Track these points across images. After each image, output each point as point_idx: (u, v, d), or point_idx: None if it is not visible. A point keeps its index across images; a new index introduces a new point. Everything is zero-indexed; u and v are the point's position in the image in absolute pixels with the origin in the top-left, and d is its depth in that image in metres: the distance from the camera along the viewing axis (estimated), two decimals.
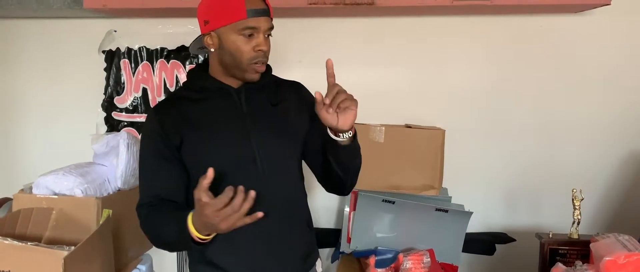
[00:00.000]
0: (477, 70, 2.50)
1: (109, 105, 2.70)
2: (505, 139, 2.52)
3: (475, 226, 2.35)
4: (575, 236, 1.87)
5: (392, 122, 2.47)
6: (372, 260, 2.19)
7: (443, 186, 2.42)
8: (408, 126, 2.48)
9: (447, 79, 2.52)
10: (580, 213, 1.86)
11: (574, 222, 1.88)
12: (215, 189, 1.24)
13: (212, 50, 1.37)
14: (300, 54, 2.51)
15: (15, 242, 1.42)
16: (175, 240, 1.32)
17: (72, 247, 1.44)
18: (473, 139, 2.53)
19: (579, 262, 1.53)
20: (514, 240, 2.47)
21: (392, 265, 2.21)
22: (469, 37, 2.48)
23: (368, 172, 2.35)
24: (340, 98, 1.22)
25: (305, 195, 1.53)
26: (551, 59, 2.45)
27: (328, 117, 1.23)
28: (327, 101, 1.22)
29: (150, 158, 1.39)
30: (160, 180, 1.38)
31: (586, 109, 2.45)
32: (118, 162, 1.84)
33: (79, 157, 2.14)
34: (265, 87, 1.44)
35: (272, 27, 1.37)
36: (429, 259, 2.19)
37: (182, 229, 1.26)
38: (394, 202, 2.29)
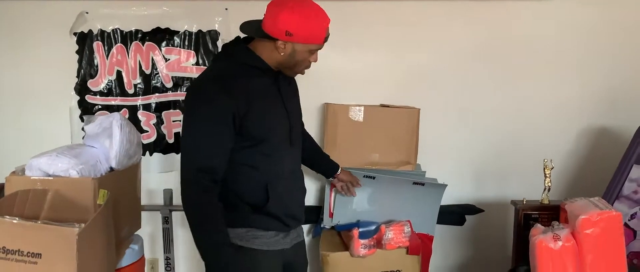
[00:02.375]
0: (447, 53, 2.63)
1: (82, 89, 2.65)
2: (473, 117, 2.68)
3: (446, 199, 2.49)
4: (546, 202, 2.05)
5: (368, 102, 2.57)
6: (355, 232, 2.30)
7: (417, 162, 2.56)
8: (384, 106, 2.59)
9: (419, 61, 2.65)
10: (550, 180, 2.05)
11: (545, 189, 2.07)
12: (266, 150, 1.68)
13: (281, 54, 1.63)
14: None
15: (25, 221, 1.42)
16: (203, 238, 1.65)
17: (82, 225, 1.45)
18: (443, 117, 2.67)
19: (555, 222, 1.70)
20: (482, 211, 2.65)
21: (375, 236, 2.33)
22: (440, 21, 2.61)
23: (349, 150, 2.50)
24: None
25: None
26: (516, 42, 2.62)
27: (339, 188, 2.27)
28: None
29: (217, 122, 1.59)
30: (220, 152, 1.62)
31: (547, 88, 2.64)
32: (112, 142, 1.84)
33: (55, 141, 2.11)
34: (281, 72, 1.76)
35: None
36: (409, 229, 2.33)
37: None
38: (374, 178, 2.41)
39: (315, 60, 1.72)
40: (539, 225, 1.73)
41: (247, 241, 1.72)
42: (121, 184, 1.92)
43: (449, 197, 2.60)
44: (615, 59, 2.62)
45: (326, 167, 2.18)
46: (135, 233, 2.10)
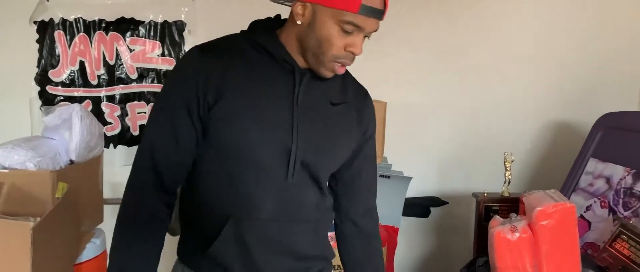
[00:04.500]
0: (413, 48, 2.67)
1: (43, 79, 2.58)
2: (438, 112, 2.72)
3: (411, 191, 2.53)
4: (507, 194, 2.10)
5: None
6: None
7: (383, 155, 2.58)
8: None
9: (385, 56, 2.66)
10: (510, 173, 2.10)
11: (505, 182, 2.12)
12: (236, 169, 1.16)
13: (299, 22, 1.13)
14: None
15: None
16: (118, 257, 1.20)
17: (38, 218, 1.42)
18: (409, 112, 2.70)
19: (513, 214, 1.74)
20: (446, 203, 2.69)
21: None
22: (406, 17, 2.63)
23: None
24: None
25: (330, 212, 1.32)
26: (480, 39, 2.67)
27: None
28: None
29: (173, 104, 1.15)
30: (171, 147, 1.16)
31: (510, 85, 2.71)
32: (72, 134, 1.80)
33: (14, 133, 2.05)
34: (333, 79, 1.20)
35: (376, 30, 1.14)
36: None
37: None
38: None
39: (358, 51, 1.12)
40: (497, 217, 1.77)
41: None
42: (82, 176, 1.88)
43: (414, 190, 2.63)
44: (574, 57, 2.69)
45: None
46: (98, 227, 2.07)
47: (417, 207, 2.69)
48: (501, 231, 1.65)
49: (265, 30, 1.20)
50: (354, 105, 1.27)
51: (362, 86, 1.33)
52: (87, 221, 1.96)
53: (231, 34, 1.22)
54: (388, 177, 2.44)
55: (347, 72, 1.28)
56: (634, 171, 1.97)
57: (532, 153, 2.75)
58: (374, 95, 2.55)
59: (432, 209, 2.71)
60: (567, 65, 2.69)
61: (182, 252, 1.27)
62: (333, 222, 1.37)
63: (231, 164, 1.16)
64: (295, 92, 1.17)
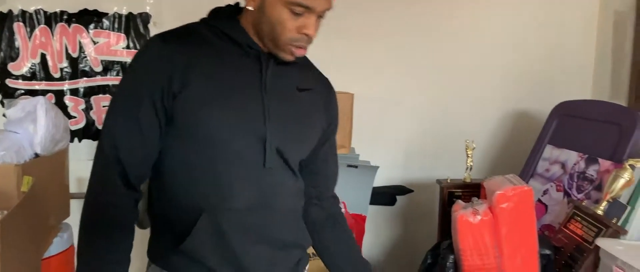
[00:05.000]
0: (378, 40, 2.72)
1: (1, 73, 2.52)
2: (403, 103, 2.79)
3: (377, 180, 2.59)
4: (468, 180, 2.18)
5: None
6: None
7: (351, 145, 2.63)
8: None
9: (352, 47, 2.72)
10: (472, 160, 2.18)
11: (467, 168, 2.20)
12: (209, 159, 1.13)
13: (250, 8, 1.13)
14: None
15: None
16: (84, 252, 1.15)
17: (5, 212, 1.40)
18: (375, 103, 2.76)
19: (475, 198, 1.81)
20: (411, 191, 2.77)
21: None
22: (371, 8, 2.68)
23: None
24: None
25: (302, 198, 1.33)
26: (443, 32, 2.75)
27: None
28: None
29: (135, 95, 1.11)
30: (134, 138, 1.12)
31: (472, 75, 2.79)
32: (36, 127, 1.78)
33: None
34: (297, 65, 1.22)
35: (329, 9, 1.15)
36: (343, 210, 2.40)
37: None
38: None
39: (311, 32, 1.13)
40: (460, 201, 1.84)
41: None
42: (47, 170, 1.86)
43: (381, 179, 2.70)
44: (530, 49, 2.80)
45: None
46: (64, 221, 2.05)
47: (384, 195, 2.76)
48: (463, 214, 1.72)
49: (226, 17, 1.19)
50: (320, 93, 1.31)
51: (325, 78, 1.36)
52: (54, 215, 1.94)
53: (191, 23, 1.20)
54: (356, 166, 2.50)
55: (310, 62, 1.32)
56: (586, 156, 2.08)
57: (492, 141, 2.85)
58: (340, 87, 2.60)
59: (398, 197, 2.78)
60: (524, 57, 2.80)
61: (153, 252, 1.23)
62: None
63: (203, 154, 1.13)
64: (263, 77, 1.16)
